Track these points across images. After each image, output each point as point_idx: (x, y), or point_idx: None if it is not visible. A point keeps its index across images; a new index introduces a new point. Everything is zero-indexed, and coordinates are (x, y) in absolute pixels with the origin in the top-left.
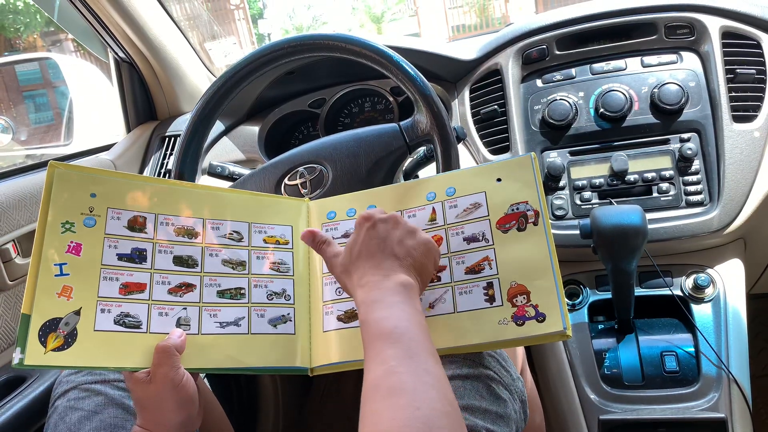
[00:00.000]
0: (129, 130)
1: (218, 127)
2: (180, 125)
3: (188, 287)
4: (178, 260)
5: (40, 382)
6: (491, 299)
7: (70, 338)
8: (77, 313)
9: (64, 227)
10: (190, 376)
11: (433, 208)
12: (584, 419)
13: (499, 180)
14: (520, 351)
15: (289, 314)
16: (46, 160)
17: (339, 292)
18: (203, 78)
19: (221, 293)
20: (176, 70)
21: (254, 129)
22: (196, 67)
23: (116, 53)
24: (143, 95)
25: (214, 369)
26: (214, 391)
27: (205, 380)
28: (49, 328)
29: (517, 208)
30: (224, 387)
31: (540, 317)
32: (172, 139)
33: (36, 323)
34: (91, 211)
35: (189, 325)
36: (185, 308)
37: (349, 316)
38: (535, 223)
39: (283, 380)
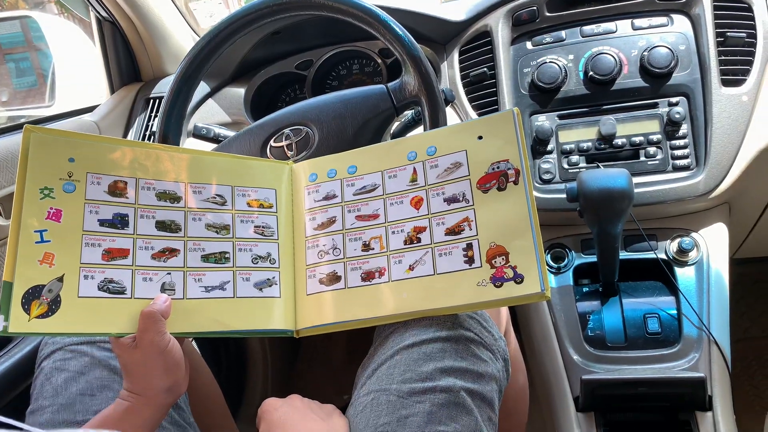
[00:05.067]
0: (113, 91)
1: (203, 88)
2: (165, 87)
3: (172, 252)
4: (161, 225)
5: (26, 343)
6: (470, 261)
7: (54, 305)
8: (60, 279)
9: (43, 193)
10: (176, 340)
11: (414, 168)
12: (567, 379)
13: (480, 138)
14: (504, 312)
15: (274, 278)
16: (26, 121)
17: (321, 255)
18: (188, 39)
19: (205, 257)
20: (160, 30)
21: (240, 91)
22: (181, 28)
23: (97, 11)
24: (126, 56)
25: (200, 333)
26: (202, 354)
27: (193, 343)
28: (32, 295)
29: (498, 167)
30: (212, 350)
31: (518, 278)
32: (157, 100)
33: (18, 291)
34: (70, 177)
35: (174, 290)
36: (169, 273)
37: (330, 279)
38: (516, 182)
39: (272, 343)
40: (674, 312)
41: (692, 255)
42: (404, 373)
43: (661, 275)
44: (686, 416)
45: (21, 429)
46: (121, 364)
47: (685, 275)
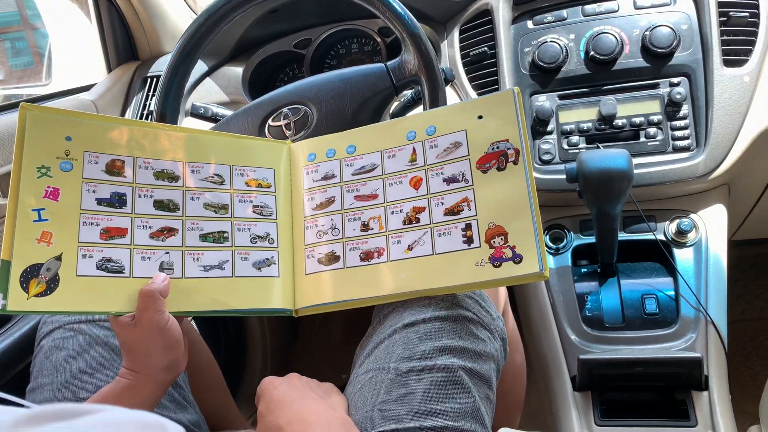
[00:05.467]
0: (110, 70)
1: (201, 67)
2: (162, 65)
3: (170, 231)
4: (159, 204)
5: (25, 321)
6: (469, 241)
7: (52, 284)
8: (58, 258)
9: (40, 172)
10: (174, 319)
11: (414, 148)
12: (565, 359)
13: (480, 117)
14: (503, 292)
15: (272, 257)
16: (22, 99)
17: (319, 235)
18: (185, 17)
19: (204, 237)
20: (157, 8)
21: (238, 70)
22: (178, 6)
23: None
24: (123, 34)
25: (199, 312)
26: (201, 333)
27: (192, 322)
28: (30, 273)
29: (498, 147)
30: (211, 329)
31: (517, 258)
32: (154, 79)
33: (17, 269)
34: (67, 155)
35: (172, 269)
36: (168, 252)
37: (329, 259)
38: (515, 162)
39: (271, 322)
40: (672, 293)
41: (691, 236)
42: (402, 352)
43: (659, 256)
44: (682, 396)
45: (22, 405)
46: (120, 342)
47: (683, 256)
